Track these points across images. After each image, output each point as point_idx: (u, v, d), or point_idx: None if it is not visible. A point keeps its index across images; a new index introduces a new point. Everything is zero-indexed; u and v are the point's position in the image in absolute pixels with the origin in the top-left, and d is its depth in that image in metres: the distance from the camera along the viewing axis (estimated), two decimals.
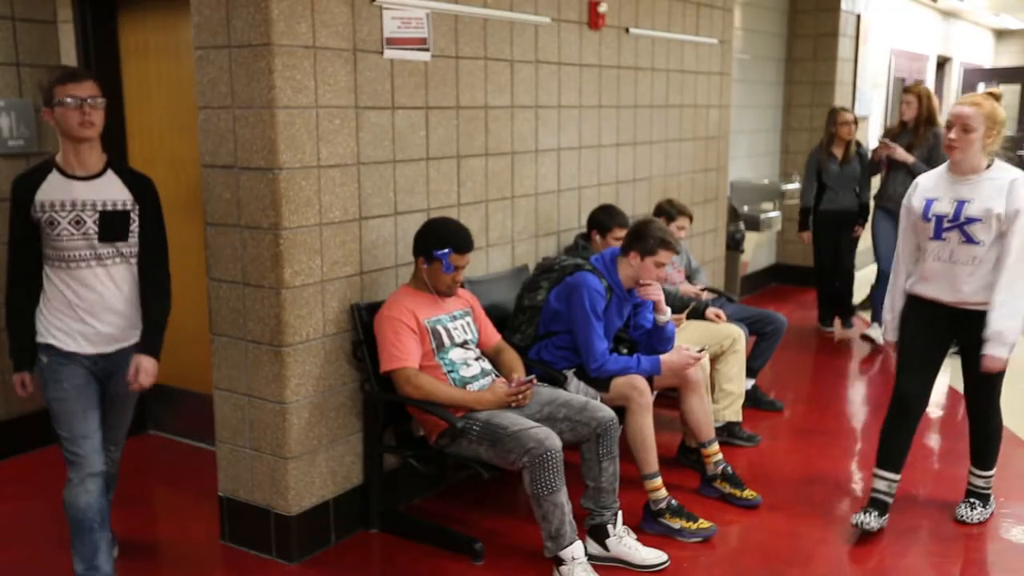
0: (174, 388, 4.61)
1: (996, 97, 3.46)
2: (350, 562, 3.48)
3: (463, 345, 3.50)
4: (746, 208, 7.35)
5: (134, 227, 2.97)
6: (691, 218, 4.87)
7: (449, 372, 3.42)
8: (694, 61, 5.91)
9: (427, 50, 3.71)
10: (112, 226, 2.93)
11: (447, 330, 3.45)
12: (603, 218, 4.46)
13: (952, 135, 3.35)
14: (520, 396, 3.37)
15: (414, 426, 3.64)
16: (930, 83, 12.64)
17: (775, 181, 8.09)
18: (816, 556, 3.49)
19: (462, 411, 3.33)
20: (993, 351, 3.35)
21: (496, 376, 3.55)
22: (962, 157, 3.38)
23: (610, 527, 3.39)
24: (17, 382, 3.04)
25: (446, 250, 3.36)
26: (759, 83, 8.08)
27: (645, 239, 3.71)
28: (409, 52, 3.63)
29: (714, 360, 4.49)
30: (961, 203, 3.37)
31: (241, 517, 3.52)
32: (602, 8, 4.77)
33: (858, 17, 8.74)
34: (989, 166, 3.41)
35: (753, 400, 4.99)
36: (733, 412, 4.51)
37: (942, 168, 3.53)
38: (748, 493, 3.91)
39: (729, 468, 3.96)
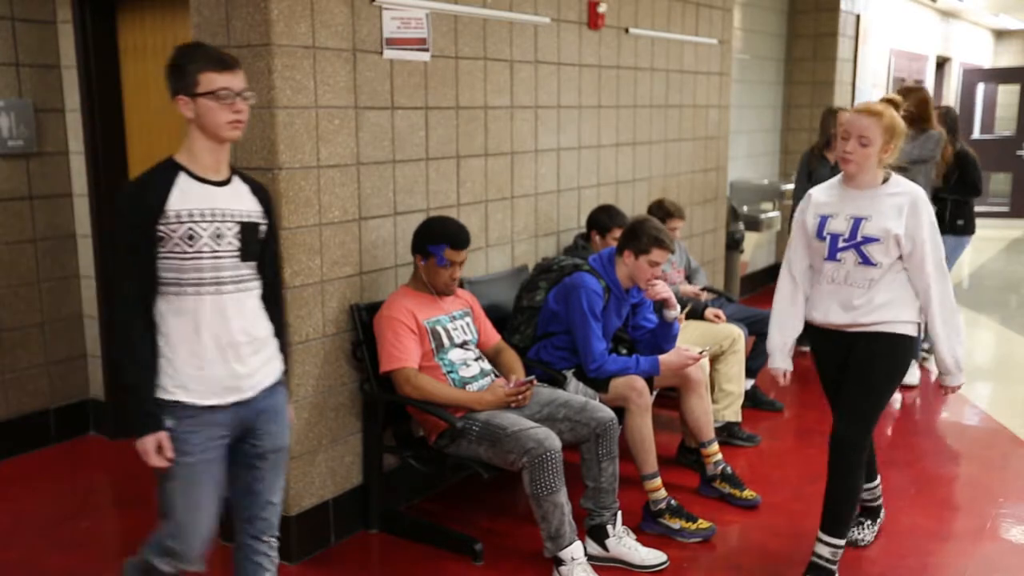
0: None
1: (896, 105, 3.12)
2: (350, 562, 3.48)
3: (463, 345, 3.50)
4: (746, 208, 7.35)
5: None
6: (683, 219, 4.85)
7: (449, 372, 3.42)
8: (694, 61, 5.91)
9: (427, 50, 3.71)
10: (251, 242, 2.41)
11: (446, 330, 3.45)
12: (603, 218, 4.46)
13: (848, 148, 3.02)
14: (520, 397, 3.37)
15: (414, 426, 3.65)
16: (929, 83, 12.64)
17: (774, 181, 8.09)
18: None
19: (462, 411, 3.33)
20: (953, 381, 3.18)
21: (496, 376, 3.55)
22: (857, 171, 3.06)
23: (610, 527, 3.39)
24: (151, 446, 2.30)
25: (441, 245, 3.35)
26: (759, 83, 8.08)
27: (639, 238, 3.70)
28: (409, 52, 3.63)
29: (714, 360, 4.49)
30: (858, 220, 3.06)
31: None
32: (602, 8, 4.77)
33: (857, 17, 8.75)
34: (886, 180, 3.10)
35: (753, 400, 4.99)
36: (733, 412, 4.51)
37: (835, 181, 3.20)
38: (748, 493, 3.91)
39: (729, 468, 3.96)
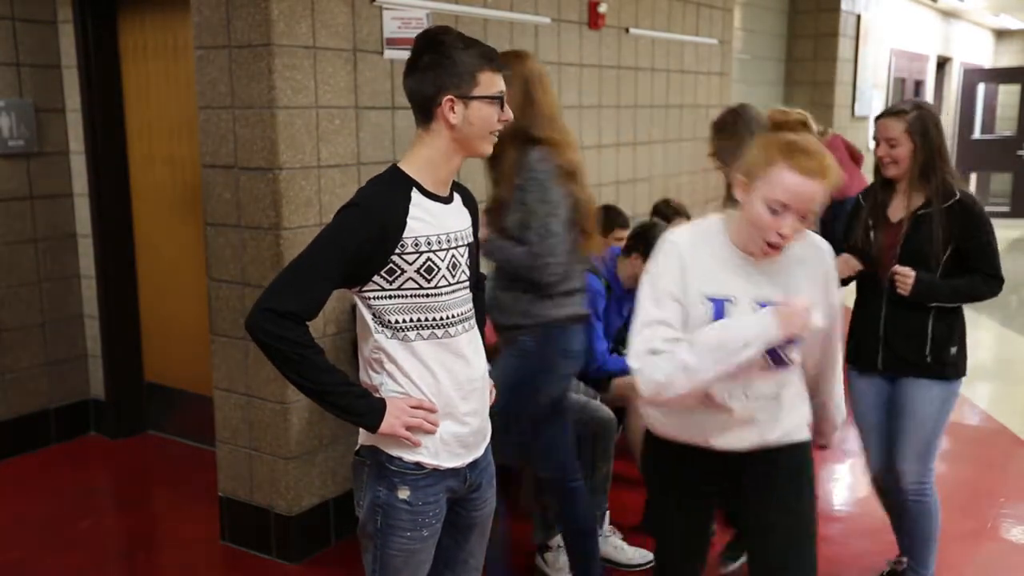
0: (174, 388, 4.61)
1: (806, 126, 2.12)
2: (350, 562, 3.47)
3: None
4: None
5: None
6: (689, 219, 4.87)
7: None
8: (694, 61, 5.91)
9: None
10: (475, 265, 2.07)
11: None
12: (603, 218, 4.45)
13: (785, 228, 1.95)
14: None
15: None
16: (930, 83, 12.63)
17: None
18: (816, 556, 3.49)
19: None
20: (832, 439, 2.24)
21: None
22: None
23: (597, 527, 3.39)
24: (399, 426, 1.91)
25: None
26: (759, 83, 8.08)
27: (650, 243, 3.71)
28: (409, 52, 3.62)
29: None
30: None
31: (241, 517, 3.52)
32: (602, 8, 4.77)
33: (858, 17, 8.75)
34: None
35: None
36: None
37: (717, 232, 2.08)
38: None
39: None
